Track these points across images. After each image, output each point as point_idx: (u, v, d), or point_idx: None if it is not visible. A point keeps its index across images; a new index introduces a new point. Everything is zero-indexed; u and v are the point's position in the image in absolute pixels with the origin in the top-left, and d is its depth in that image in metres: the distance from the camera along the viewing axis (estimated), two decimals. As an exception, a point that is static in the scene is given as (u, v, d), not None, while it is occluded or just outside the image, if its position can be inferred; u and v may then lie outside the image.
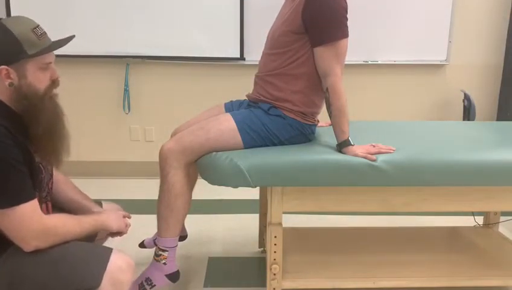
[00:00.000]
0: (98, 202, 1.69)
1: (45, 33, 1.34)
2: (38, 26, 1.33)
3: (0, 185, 1.22)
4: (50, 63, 1.35)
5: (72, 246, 1.34)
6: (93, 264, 1.31)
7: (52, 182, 1.51)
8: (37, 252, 1.29)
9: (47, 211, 1.46)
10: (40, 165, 1.39)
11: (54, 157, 1.41)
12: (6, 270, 1.29)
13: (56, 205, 1.55)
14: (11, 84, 1.29)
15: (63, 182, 1.62)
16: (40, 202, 1.36)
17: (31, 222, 1.26)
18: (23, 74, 1.29)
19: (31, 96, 1.31)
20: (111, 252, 1.36)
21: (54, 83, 1.38)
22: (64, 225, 1.34)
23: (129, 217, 1.65)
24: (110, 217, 1.53)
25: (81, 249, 1.35)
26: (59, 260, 1.30)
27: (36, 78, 1.32)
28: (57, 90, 1.40)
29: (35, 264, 1.29)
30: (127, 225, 1.61)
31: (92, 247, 1.38)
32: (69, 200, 1.60)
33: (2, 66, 1.27)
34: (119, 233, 1.60)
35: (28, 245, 1.28)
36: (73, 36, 1.43)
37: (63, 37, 1.41)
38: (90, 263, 1.32)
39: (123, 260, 1.35)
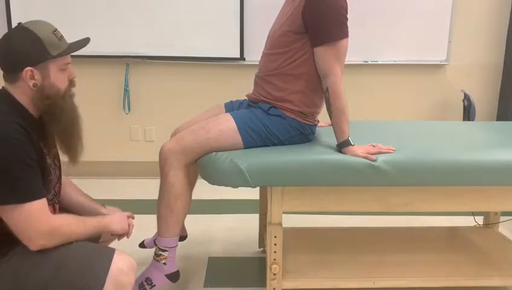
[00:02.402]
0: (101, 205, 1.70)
1: (63, 36, 1.39)
2: (56, 29, 1.38)
3: (12, 181, 1.23)
4: (69, 63, 1.40)
5: (76, 248, 1.34)
6: (96, 267, 1.32)
7: (60, 187, 1.52)
8: (41, 253, 1.30)
9: (54, 213, 1.47)
10: (50, 167, 1.41)
11: (73, 154, 1.46)
12: (11, 269, 1.30)
13: (62, 208, 1.56)
14: (35, 85, 1.33)
15: (68, 185, 1.63)
16: (48, 203, 1.37)
17: (39, 220, 1.27)
18: (47, 75, 1.34)
19: (53, 96, 1.35)
20: (113, 253, 1.36)
21: (72, 82, 1.43)
22: (69, 225, 1.35)
23: (133, 218, 1.66)
24: (114, 219, 1.54)
25: (85, 251, 1.35)
26: (62, 262, 1.30)
27: (57, 78, 1.36)
28: (74, 90, 1.46)
29: (39, 266, 1.29)
30: (131, 226, 1.62)
31: (95, 249, 1.38)
32: (75, 203, 1.62)
33: (28, 68, 1.30)
34: (123, 235, 1.60)
35: (34, 244, 1.29)
36: (89, 39, 1.49)
37: (78, 40, 1.46)
38: (93, 266, 1.32)
39: (125, 262, 1.35)
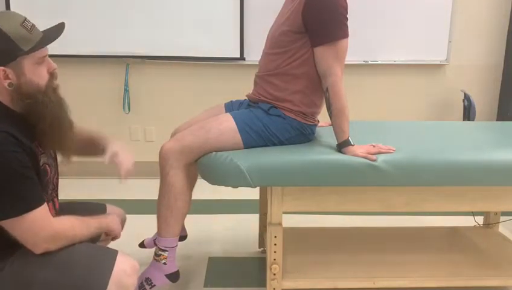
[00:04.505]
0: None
1: (34, 25, 1.29)
2: (26, 19, 1.28)
3: (11, 194, 1.22)
4: (46, 56, 1.31)
5: (79, 250, 1.34)
6: (100, 269, 1.31)
7: (58, 178, 1.51)
8: (45, 255, 1.29)
9: (54, 209, 1.47)
10: (46, 165, 1.39)
11: (64, 151, 1.42)
12: (14, 272, 1.29)
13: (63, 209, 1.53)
14: (10, 85, 1.25)
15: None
16: (47, 201, 1.36)
17: (42, 227, 1.26)
18: (21, 72, 1.25)
19: (33, 93, 1.28)
20: (116, 255, 1.36)
21: (53, 75, 1.35)
22: (72, 227, 1.35)
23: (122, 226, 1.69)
24: (114, 220, 1.55)
25: (88, 253, 1.35)
26: (66, 264, 1.30)
27: (35, 73, 1.28)
28: (57, 82, 1.38)
29: (43, 268, 1.29)
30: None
31: (98, 250, 1.38)
32: (85, 138, 1.62)
33: None
34: (116, 236, 1.61)
35: (39, 248, 1.28)
36: (63, 24, 1.37)
37: (53, 27, 1.37)
38: (97, 267, 1.32)
39: (128, 264, 1.35)
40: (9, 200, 1.22)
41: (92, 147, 1.63)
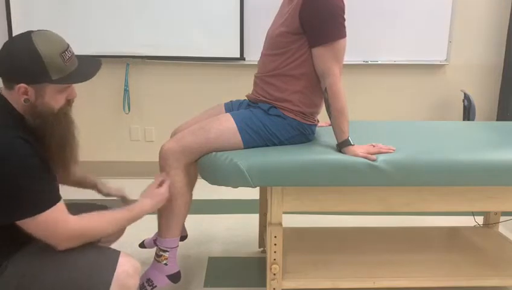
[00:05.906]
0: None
1: (73, 55, 1.33)
2: (67, 49, 1.31)
3: (26, 196, 1.23)
4: (70, 86, 1.35)
5: (82, 251, 1.34)
6: (102, 270, 1.32)
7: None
8: (47, 255, 1.30)
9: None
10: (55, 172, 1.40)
11: (64, 169, 1.43)
12: (17, 269, 1.30)
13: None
14: (26, 101, 1.28)
15: None
16: None
17: (60, 225, 1.28)
18: (41, 95, 1.29)
19: (45, 114, 1.30)
20: (119, 256, 1.36)
21: (69, 101, 1.38)
22: (90, 224, 1.36)
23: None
24: (148, 201, 1.60)
25: (91, 253, 1.35)
26: (68, 265, 1.31)
27: (53, 98, 1.31)
28: (71, 107, 1.40)
29: (45, 269, 1.30)
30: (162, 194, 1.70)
31: (101, 251, 1.38)
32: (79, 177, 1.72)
33: (21, 84, 1.25)
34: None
35: (59, 246, 1.30)
36: (100, 63, 1.41)
37: (90, 62, 1.41)
38: (99, 268, 1.32)
39: (130, 265, 1.36)
40: (26, 200, 1.23)
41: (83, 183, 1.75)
